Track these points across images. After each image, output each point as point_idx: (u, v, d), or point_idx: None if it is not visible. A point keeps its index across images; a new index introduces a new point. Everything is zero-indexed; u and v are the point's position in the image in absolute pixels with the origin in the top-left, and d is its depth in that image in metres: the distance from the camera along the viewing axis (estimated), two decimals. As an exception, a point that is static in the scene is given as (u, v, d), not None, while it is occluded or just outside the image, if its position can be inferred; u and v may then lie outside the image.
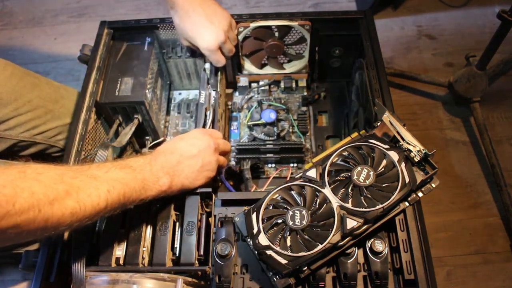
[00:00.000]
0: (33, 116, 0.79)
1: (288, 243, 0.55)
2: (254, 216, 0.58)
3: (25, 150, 0.82)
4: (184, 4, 0.73)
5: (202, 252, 0.62)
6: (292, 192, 0.60)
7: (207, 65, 0.83)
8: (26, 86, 0.79)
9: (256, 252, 0.57)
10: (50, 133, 0.83)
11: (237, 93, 1.01)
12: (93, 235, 0.63)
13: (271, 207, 0.59)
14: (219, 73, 0.84)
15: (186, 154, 0.62)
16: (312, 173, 0.60)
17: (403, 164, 0.58)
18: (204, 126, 0.76)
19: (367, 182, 0.57)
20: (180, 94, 1.03)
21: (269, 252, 0.55)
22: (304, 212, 0.56)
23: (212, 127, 0.77)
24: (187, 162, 0.61)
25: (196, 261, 0.61)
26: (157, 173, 0.57)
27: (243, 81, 0.97)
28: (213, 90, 0.81)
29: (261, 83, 0.98)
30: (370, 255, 0.59)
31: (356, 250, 0.59)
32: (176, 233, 0.63)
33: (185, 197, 0.64)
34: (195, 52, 0.88)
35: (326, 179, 0.58)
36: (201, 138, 0.65)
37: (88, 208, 0.47)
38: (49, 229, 0.45)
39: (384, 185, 0.57)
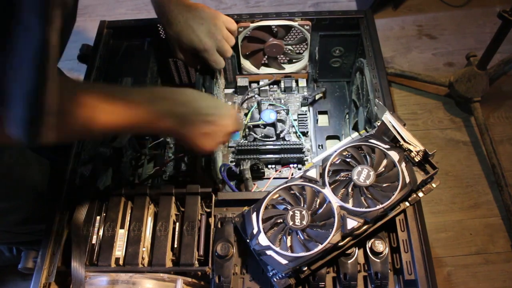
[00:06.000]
0: None
1: (288, 243, 0.55)
2: (254, 216, 0.58)
3: None
4: (174, 11, 0.73)
5: (202, 252, 0.61)
6: (292, 192, 0.60)
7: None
8: None
9: (256, 252, 0.57)
10: None
11: (237, 93, 1.01)
12: (93, 235, 0.63)
13: (271, 207, 0.59)
14: (217, 74, 0.83)
15: (204, 117, 0.62)
16: (312, 173, 0.60)
17: (403, 164, 0.57)
18: None
19: (367, 182, 0.56)
20: (180, 94, 1.03)
21: (269, 252, 0.55)
22: (304, 212, 0.56)
23: None
24: (198, 123, 0.62)
25: (196, 261, 0.61)
26: (163, 114, 0.59)
27: (243, 81, 0.97)
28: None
29: (261, 83, 0.98)
30: (371, 255, 0.59)
31: (357, 250, 0.59)
32: (176, 233, 0.63)
33: (185, 197, 0.64)
34: (195, 64, 0.86)
35: (326, 179, 0.58)
36: (227, 119, 0.66)
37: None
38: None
39: (384, 185, 0.57)
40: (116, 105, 0.53)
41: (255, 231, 0.57)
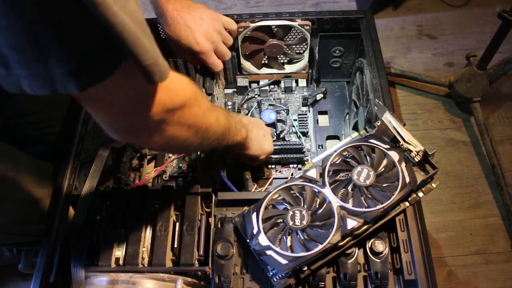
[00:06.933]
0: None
1: (288, 243, 0.55)
2: (254, 216, 0.58)
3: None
4: (173, 12, 0.73)
5: (202, 252, 0.61)
6: (292, 192, 0.60)
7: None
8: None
9: (256, 252, 0.57)
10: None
11: (237, 94, 1.01)
12: (93, 235, 0.63)
13: (271, 207, 0.59)
14: (215, 75, 0.83)
15: (256, 126, 0.76)
16: (312, 173, 0.60)
17: (403, 164, 0.57)
18: None
19: (367, 182, 0.56)
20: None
21: (269, 252, 0.55)
22: (304, 212, 0.56)
23: None
24: (256, 129, 0.75)
25: (196, 261, 0.61)
26: (240, 122, 0.68)
27: (243, 81, 0.97)
28: (208, 94, 0.80)
29: (261, 83, 0.98)
30: (371, 255, 0.59)
31: (357, 250, 0.59)
32: (176, 233, 0.63)
33: (185, 197, 0.64)
34: (195, 62, 0.86)
35: (326, 179, 0.58)
36: (269, 135, 0.80)
37: (221, 124, 0.58)
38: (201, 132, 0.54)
39: (384, 185, 0.57)
40: (219, 114, 0.59)
41: (255, 231, 0.57)
